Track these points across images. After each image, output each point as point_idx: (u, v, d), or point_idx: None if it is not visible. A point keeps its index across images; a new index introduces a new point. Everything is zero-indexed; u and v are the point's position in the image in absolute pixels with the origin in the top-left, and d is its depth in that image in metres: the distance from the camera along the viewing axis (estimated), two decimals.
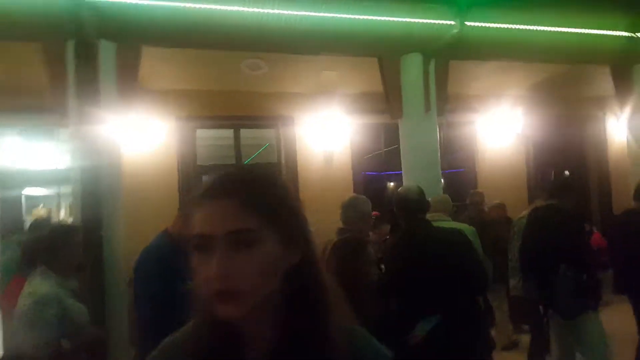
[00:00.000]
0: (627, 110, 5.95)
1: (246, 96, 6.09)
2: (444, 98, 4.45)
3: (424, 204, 2.82)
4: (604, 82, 6.58)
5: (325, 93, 6.19)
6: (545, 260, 3.18)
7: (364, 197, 3.17)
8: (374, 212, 4.91)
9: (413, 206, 2.77)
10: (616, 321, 4.03)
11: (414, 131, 4.38)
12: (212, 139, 6.42)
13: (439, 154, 4.46)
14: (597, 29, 5.00)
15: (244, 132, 6.38)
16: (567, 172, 7.69)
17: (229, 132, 6.32)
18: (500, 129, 7.05)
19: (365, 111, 6.36)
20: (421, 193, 2.82)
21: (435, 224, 2.90)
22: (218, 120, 6.11)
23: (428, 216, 3.23)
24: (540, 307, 3.43)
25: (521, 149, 7.30)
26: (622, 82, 5.52)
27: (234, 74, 5.57)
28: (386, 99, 4.47)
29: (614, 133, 7.45)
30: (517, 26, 4.52)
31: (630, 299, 3.98)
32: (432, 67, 4.30)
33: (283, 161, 6.39)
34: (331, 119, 6.30)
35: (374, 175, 7.27)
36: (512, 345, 5.07)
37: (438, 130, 4.58)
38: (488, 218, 5.54)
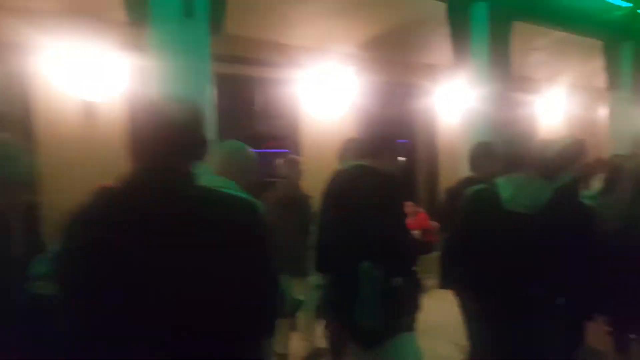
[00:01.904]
0: (462, 80, 5.32)
1: None
2: (223, 5, 2.96)
3: (193, 137, 1.21)
4: (438, 48, 5.95)
5: (81, 14, 4.24)
6: (341, 253, 1.93)
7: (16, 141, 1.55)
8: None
9: (160, 135, 1.17)
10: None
11: (168, 42, 2.83)
12: None
13: (209, 74, 2.98)
14: None
15: None
16: None
17: None
18: (330, 91, 5.93)
19: None
20: (193, 117, 1.21)
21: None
22: None
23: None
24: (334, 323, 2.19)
25: (352, 118, 6.32)
26: (459, 31, 4.74)
27: None
28: None
29: (444, 107, 6.96)
30: None
31: (457, 295, 3.10)
32: None
33: (8, 109, 4.26)
34: (95, 53, 4.39)
35: None
36: (315, 355, 3.92)
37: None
38: (300, 195, 4.35)
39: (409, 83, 6.79)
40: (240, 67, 5.39)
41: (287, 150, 6.12)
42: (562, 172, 3.05)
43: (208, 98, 2.98)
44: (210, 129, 2.96)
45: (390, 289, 1.83)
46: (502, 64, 5.09)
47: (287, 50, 5.60)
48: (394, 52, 6.23)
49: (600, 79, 7.08)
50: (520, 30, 5.53)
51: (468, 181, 3.02)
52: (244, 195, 1.37)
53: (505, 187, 1.94)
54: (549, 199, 1.94)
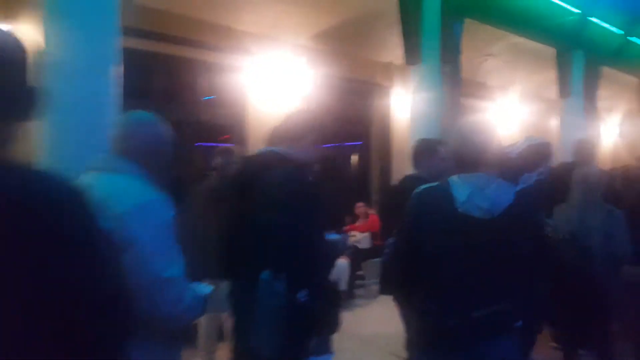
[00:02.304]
0: (414, 82, 5.10)
1: None
2: None
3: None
4: (392, 46, 5.71)
5: None
6: (239, 258, 1.56)
7: None
8: None
9: None
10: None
11: (65, 8, 2.41)
12: None
13: (115, 47, 2.55)
14: None
15: None
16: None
17: None
18: (279, 81, 5.53)
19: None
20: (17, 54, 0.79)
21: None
22: None
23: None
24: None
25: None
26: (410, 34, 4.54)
27: None
28: None
29: (398, 106, 6.74)
30: None
31: (397, 301, 2.79)
32: None
33: None
34: None
35: None
36: None
37: None
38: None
39: (362, 80, 6.52)
40: (182, 48, 4.94)
41: (232, 145, 5.68)
42: (525, 173, 2.76)
43: (113, 73, 2.54)
44: (115, 110, 2.54)
45: (295, 305, 1.47)
46: (453, 62, 4.91)
47: (234, 35, 5.19)
48: (348, 46, 5.95)
49: (552, 89, 7.08)
50: (475, 35, 5.37)
51: (409, 179, 2.74)
52: (65, 178, 0.95)
53: (460, 187, 1.62)
54: (510, 204, 1.62)
